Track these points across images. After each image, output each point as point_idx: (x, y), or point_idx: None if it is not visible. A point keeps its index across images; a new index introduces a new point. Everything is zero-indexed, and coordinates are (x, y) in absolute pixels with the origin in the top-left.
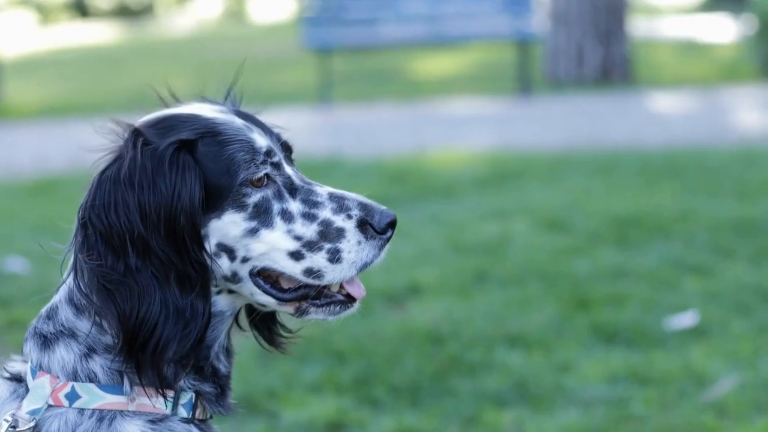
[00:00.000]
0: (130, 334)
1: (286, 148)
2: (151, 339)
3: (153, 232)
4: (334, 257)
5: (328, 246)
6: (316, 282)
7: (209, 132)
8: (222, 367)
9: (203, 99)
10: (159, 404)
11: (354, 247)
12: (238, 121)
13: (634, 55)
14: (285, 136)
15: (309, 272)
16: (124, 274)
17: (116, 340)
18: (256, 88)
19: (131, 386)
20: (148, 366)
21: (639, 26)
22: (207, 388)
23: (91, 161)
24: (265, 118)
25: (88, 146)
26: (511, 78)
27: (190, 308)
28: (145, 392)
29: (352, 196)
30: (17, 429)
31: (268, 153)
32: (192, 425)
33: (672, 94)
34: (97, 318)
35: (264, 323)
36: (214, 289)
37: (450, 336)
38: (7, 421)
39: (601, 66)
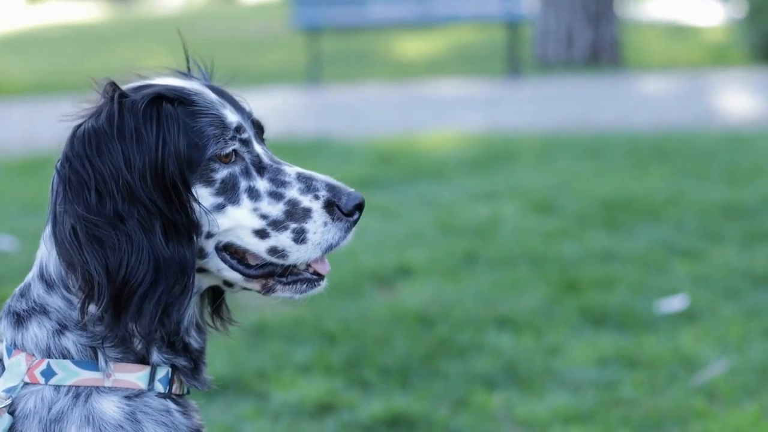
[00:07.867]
0: (117, 287)
1: (258, 127)
2: (139, 290)
3: (139, 179)
4: (299, 237)
5: (293, 225)
6: (280, 261)
7: (183, 101)
8: (193, 342)
9: (179, 73)
10: (135, 379)
11: (320, 228)
12: (212, 95)
13: (623, 37)
14: (257, 115)
15: (274, 251)
16: (112, 220)
17: (99, 299)
18: (244, 68)
19: (106, 362)
20: (132, 317)
21: (628, 9)
22: (182, 362)
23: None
24: (239, 94)
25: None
26: (501, 59)
27: (178, 258)
28: (122, 367)
29: (321, 177)
30: None
31: (238, 129)
32: (168, 400)
33: (661, 77)
34: (65, 292)
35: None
36: None
37: (439, 318)
38: None
39: (591, 48)
